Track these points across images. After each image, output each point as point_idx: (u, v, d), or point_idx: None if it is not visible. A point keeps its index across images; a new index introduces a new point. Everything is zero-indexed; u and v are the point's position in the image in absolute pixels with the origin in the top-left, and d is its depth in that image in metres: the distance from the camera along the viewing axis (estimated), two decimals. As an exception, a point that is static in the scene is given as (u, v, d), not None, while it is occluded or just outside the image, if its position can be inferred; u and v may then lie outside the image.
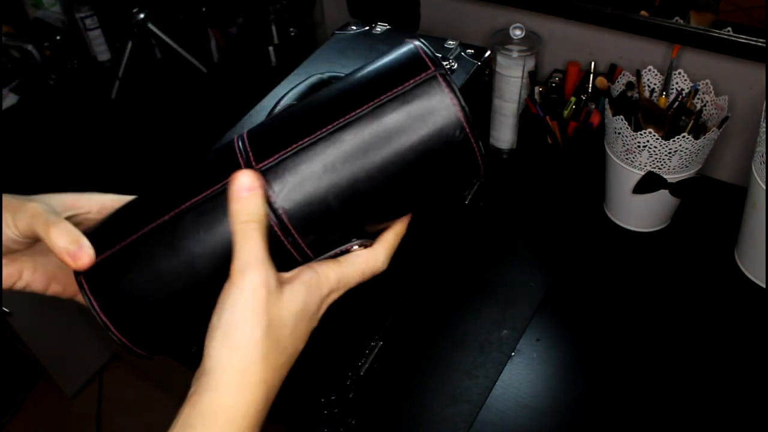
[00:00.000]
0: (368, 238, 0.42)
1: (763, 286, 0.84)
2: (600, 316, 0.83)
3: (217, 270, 0.39)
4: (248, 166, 0.40)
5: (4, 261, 0.43)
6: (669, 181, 0.85)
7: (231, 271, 0.38)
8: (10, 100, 1.25)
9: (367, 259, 0.42)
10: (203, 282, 0.39)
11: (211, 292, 0.39)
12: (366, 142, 0.39)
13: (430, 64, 0.39)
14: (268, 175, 0.39)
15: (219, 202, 0.39)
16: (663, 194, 0.86)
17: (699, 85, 0.86)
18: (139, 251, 0.40)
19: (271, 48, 1.27)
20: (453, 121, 0.38)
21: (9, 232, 0.41)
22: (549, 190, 1.01)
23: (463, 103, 0.39)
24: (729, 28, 0.87)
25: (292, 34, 1.27)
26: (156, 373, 1.67)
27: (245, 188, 0.38)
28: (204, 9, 1.24)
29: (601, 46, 1.00)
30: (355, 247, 0.42)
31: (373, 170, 0.39)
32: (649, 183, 0.85)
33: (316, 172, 0.39)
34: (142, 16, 1.19)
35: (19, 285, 0.44)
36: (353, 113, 0.39)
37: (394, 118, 0.38)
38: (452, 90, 0.39)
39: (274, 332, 0.37)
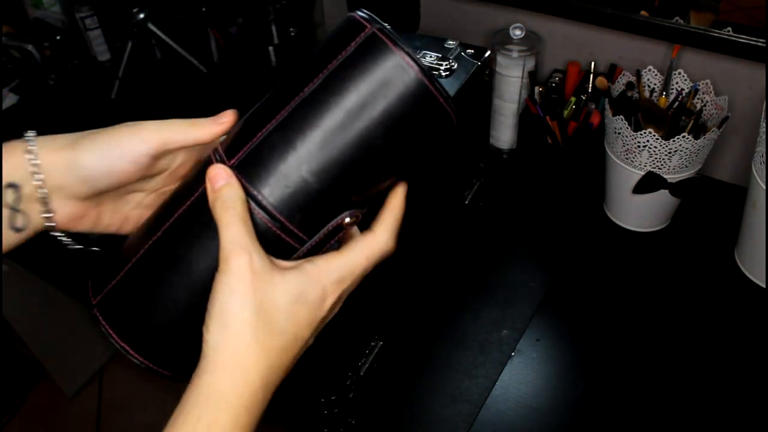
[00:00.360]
0: (358, 208, 0.42)
1: (763, 286, 0.84)
2: (600, 316, 0.83)
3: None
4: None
5: (89, 207, 0.44)
6: (669, 181, 0.85)
7: (219, 259, 0.38)
8: (10, 100, 1.25)
9: (368, 243, 0.42)
10: (209, 286, 0.40)
11: None
12: (323, 113, 0.39)
13: (365, 23, 0.40)
14: (242, 169, 0.40)
15: (204, 206, 0.40)
16: (663, 194, 0.86)
17: (699, 85, 0.86)
18: (141, 272, 0.41)
19: (271, 48, 1.27)
20: (402, 70, 0.38)
21: (142, 148, 0.42)
22: (549, 190, 1.01)
23: (409, 51, 0.39)
24: (729, 28, 0.87)
25: (292, 34, 1.27)
26: (156, 373, 1.67)
27: (219, 179, 0.39)
28: (204, 9, 1.24)
29: (601, 46, 1.00)
30: (347, 219, 0.41)
31: (336, 137, 0.39)
32: (649, 183, 0.85)
33: (284, 153, 0.39)
34: (142, 16, 1.19)
35: (99, 228, 0.46)
36: (305, 89, 0.39)
37: (344, 83, 0.39)
38: (394, 42, 0.39)
39: (265, 314, 0.38)
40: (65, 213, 0.43)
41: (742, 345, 0.78)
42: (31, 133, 0.42)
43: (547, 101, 0.98)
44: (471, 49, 0.81)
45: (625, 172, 0.87)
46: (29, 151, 0.41)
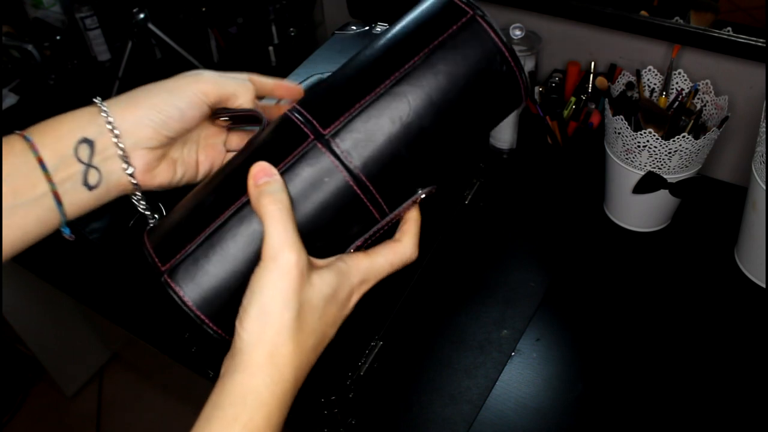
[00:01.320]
0: (432, 185, 0.44)
1: (763, 286, 0.84)
2: (600, 316, 0.83)
3: None
4: (315, 133, 0.41)
5: (160, 158, 0.45)
6: (669, 181, 0.85)
7: (262, 255, 0.38)
8: (10, 100, 1.25)
9: (395, 249, 0.44)
10: None
11: None
12: (425, 90, 0.41)
13: (466, 8, 0.43)
14: (337, 138, 0.41)
15: (291, 177, 0.41)
16: (663, 194, 0.86)
17: (699, 85, 0.86)
18: (219, 243, 0.41)
19: (271, 48, 1.27)
20: (499, 56, 0.43)
21: (203, 98, 0.44)
22: (549, 190, 1.01)
23: (503, 38, 0.43)
24: (729, 28, 0.87)
25: (292, 34, 1.27)
26: (156, 373, 1.68)
27: (262, 174, 0.40)
28: (204, 9, 1.24)
29: (601, 46, 1.00)
30: (422, 195, 0.44)
31: (437, 114, 0.41)
32: (649, 183, 0.85)
33: (383, 126, 0.41)
34: (142, 16, 1.19)
35: (174, 180, 0.47)
36: (407, 65, 0.41)
37: (446, 63, 0.41)
38: (493, 28, 0.42)
39: (304, 315, 0.38)
40: (140, 165, 0.44)
41: (742, 345, 0.78)
42: (98, 99, 0.43)
43: (547, 101, 0.98)
44: (471, 49, 0.81)
45: (625, 172, 0.87)
46: (101, 110, 0.42)
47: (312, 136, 0.41)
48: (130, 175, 0.44)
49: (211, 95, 0.45)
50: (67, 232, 0.44)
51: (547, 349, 0.80)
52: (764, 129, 0.77)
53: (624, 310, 0.84)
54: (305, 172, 0.41)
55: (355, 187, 0.41)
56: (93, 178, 0.42)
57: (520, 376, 0.77)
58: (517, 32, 0.96)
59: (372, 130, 0.41)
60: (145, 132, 0.43)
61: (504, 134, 1.05)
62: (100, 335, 1.71)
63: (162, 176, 0.46)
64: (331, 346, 0.65)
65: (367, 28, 0.86)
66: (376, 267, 0.42)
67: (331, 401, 0.68)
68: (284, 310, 0.37)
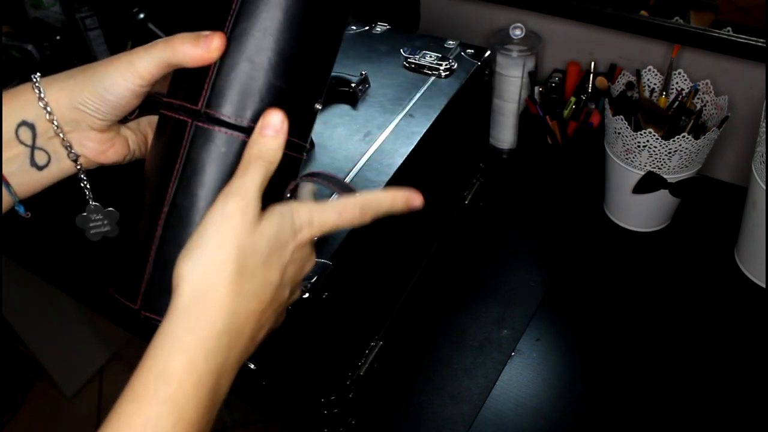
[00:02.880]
0: (321, 100, 0.44)
1: (763, 286, 0.84)
2: (600, 316, 0.83)
3: None
4: (192, 115, 0.41)
5: (112, 136, 0.45)
6: (669, 181, 0.85)
7: (218, 197, 0.39)
8: (10, 100, 1.25)
9: (345, 203, 0.42)
10: None
11: None
12: (262, 16, 0.40)
13: None
14: (213, 106, 0.41)
15: (194, 168, 0.41)
16: (663, 194, 0.86)
17: (699, 85, 0.86)
18: (165, 260, 0.41)
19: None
20: None
21: (132, 86, 0.42)
22: (549, 190, 1.01)
23: None
24: (729, 28, 0.87)
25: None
26: (156, 373, 1.67)
27: (271, 127, 0.40)
28: (204, 9, 1.24)
29: (601, 46, 1.00)
30: (318, 107, 0.44)
31: (285, 32, 0.41)
32: (649, 183, 0.85)
33: (245, 71, 0.41)
34: (142, 16, 1.19)
35: (128, 156, 0.47)
36: (233, 6, 0.41)
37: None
38: None
39: (244, 259, 0.37)
40: (90, 145, 0.44)
41: (742, 345, 0.78)
42: (36, 75, 0.42)
43: (547, 101, 0.98)
44: (471, 49, 0.81)
45: (625, 172, 0.87)
46: (37, 90, 0.41)
47: (189, 119, 0.41)
48: (75, 159, 0.43)
49: (147, 75, 0.42)
50: (21, 211, 0.44)
51: (547, 349, 0.80)
52: (764, 129, 0.77)
53: (624, 310, 0.84)
54: (202, 156, 0.41)
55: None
56: (41, 158, 0.42)
57: (520, 376, 0.77)
58: (517, 32, 0.96)
59: (240, 80, 0.40)
60: (84, 118, 0.42)
61: (504, 134, 1.05)
62: (100, 335, 1.71)
63: (116, 155, 0.46)
64: (331, 346, 0.65)
65: (367, 28, 0.86)
66: (320, 214, 0.41)
67: (331, 401, 0.68)
68: (219, 251, 0.37)
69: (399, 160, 0.66)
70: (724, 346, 0.78)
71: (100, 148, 0.44)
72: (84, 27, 1.30)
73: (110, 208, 0.49)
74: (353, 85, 0.73)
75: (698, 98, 0.86)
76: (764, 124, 0.77)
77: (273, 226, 0.39)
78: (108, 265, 0.91)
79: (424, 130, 0.69)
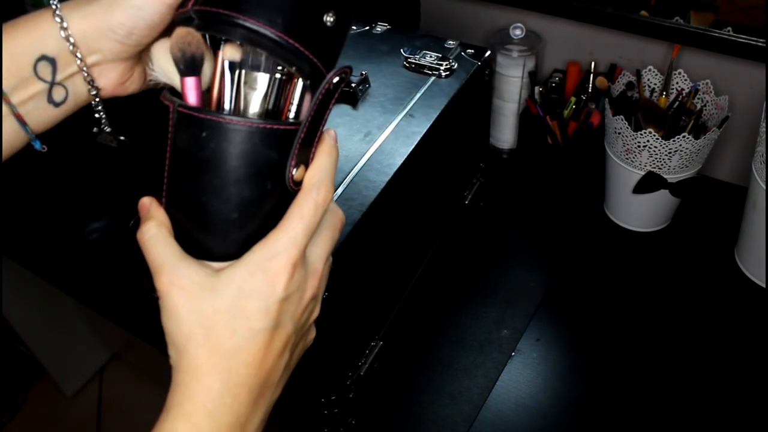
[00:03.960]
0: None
1: (763, 286, 0.84)
2: (600, 316, 0.83)
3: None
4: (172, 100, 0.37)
5: (133, 66, 0.42)
6: (669, 181, 0.85)
7: None
8: (10, 100, 1.25)
9: (297, 201, 0.38)
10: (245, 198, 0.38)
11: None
12: None
13: None
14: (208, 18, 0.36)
15: (177, 157, 0.38)
16: (663, 194, 0.86)
17: (699, 85, 0.86)
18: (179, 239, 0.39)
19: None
20: None
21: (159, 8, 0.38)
22: (549, 190, 1.01)
23: None
24: (729, 28, 0.87)
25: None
26: (156, 373, 1.67)
27: (141, 209, 0.40)
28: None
29: (601, 46, 1.00)
30: (335, 79, 0.37)
31: None
32: (649, 183, 0.85)
33: None
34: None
35: (145, 86, 0.44)
36: None
37: None
38: None
39: (207, 320, 0.36)
40: (111, 76, 0.41)
41: (742, 345, 0.78)
42: (55, 2, 0.38)
43: (547, 101, 0.98)
44: (471, 49, 0.81)
45: (625, 172, 0.87)
46: (58, 18, 0.38)
47: (171, 105, 0.37)
48: (96, 93, 0.41)
49: None
50: (38, 146, 0.41)
51: (547, 349, 0.80)
52: (764, 129, 0.77)
53: (624, 310, 0.84)
54: (180, 141, 0.37)
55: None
56: (59, 94, 0.40)
57: (520, 376, 0.77)
58: (518, 32, 0.96)
59: None
60: (111, 47, 0.39)
61: (504, 134, 1.05)
62: (100, 335, 1.71)
63: (134, 84, 0.43)
64: (331, 346, 0.65)
65: (367, 28, 0.86)
66: (286, 232, 0.37)
67: (331, 401, 0.68)
68: (180, 326, 0.36)
69: (399, 160, 0.66)
70: (724, 346, 0.78)
71: (121, 80, 0.42)
72: (84, 27, 1.30)
73: (121, 137, 0.47)
74: (353, 85, 0.73)
75: (698, 98, 0.86)
76: (764, 124, 0.77)
77: (231, 281, 0.37)
78: (109, 265, 0.91)
79: (424, 130, 0.69)
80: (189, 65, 0.37)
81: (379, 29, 0.86)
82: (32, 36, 0.38)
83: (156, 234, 0.38)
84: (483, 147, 0.95)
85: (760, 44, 0.84)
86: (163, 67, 0.39)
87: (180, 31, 0.36)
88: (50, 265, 0.95)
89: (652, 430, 0.72)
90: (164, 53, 0.38)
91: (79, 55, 0.39)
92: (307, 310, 0.40)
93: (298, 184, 0.38)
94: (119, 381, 1.77)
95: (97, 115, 0.43)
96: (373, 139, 0.69)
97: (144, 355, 1.60)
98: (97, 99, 0.41)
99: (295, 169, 0.37)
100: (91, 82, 0.40)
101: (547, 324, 0.82)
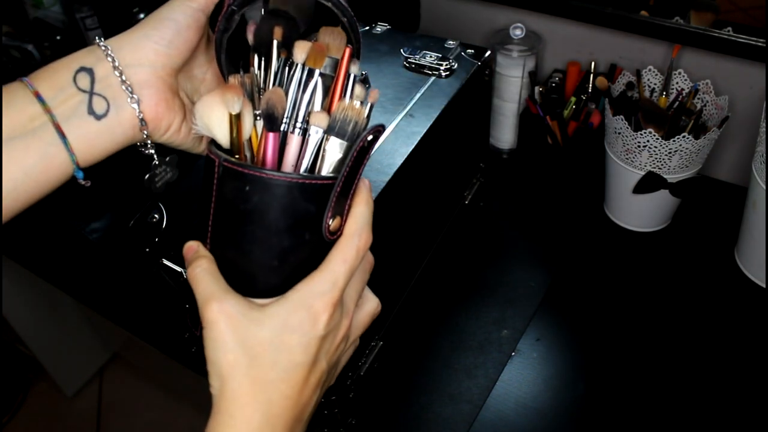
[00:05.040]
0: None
1: (763, 286, 0.84)
2: (600, 316, 0.83)
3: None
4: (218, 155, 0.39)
5: (168, 90, 0.43)
6: (669, 181, 0.85)
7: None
8: (10, 100, 1.25)
9: (340, 246, 0.40)
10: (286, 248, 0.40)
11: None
12: None
13: None
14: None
15: (221, 212, 0.40)
16: (663, 194, 0.86)
17: (699, 85, 0.86)
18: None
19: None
20: None
21: (188, 7, 0.42)
22: (549, 190, 1.01)
23: None
24: (729, 28, 0.87)
25: (292, 34, 1.27)
26: (156, 373, 1.67)
27: (189, 252, 0.41)
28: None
29: (601, 46, 1.00)
30: (369, 136, 0.39)
31: None
32: (649, 183, 0.85)
33: None
34: (142, 16, 1.19)
35: (177, 124, 0.44)
36: None
37: None
38: None
39: (251, 350, 0.38)
40: (151, 101, 0.41)
41: (742, 345, 0.78)
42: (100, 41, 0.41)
43: (547, 101, 0.98)
44: (471, 49, 0.81)
45: (625, 172, 0.87)
46: (98, 44, 0.40)
47: (217, 159, 0.39)
48: (137, 103, 0.41)
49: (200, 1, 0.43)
50: (80, 176, 0.40)
51: (547, 349, 0.80)
52: (764, 129, 0.77)
53: (624, 310, 0.84)
54: (225, 192, 0.39)
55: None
56: (99, 105, 0.40)
57: (520, 376, 0.77)
58: (517, 32, 0.96)
59: None
60: (146, 54, 0.41)
61: (504, 134, 1.05)
62: (100, 335, 1.71)
63: (181, 137, 0.44)
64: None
65: (367, 28, 0.86)
66: (329, 274, 0.39)
67: (331, 401, 0.68)
68: (225, 354, 0.37)
69: (399, 160, 0.66)
70: (724, 346, 0.78)
71: (164, 108, 0.42)
72: (84, 27, 1.30)
73: (170, 156, 0.47)
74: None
75: (698, 98, 0.86)
76: (764, 124, 0.77)
77: (276, 316, 0.39)
78: (109, 265, 0.90)
79: (424, 130, 0.69)
80: (271, 122, 0.39)
81: (379, 29, 0.86)
82: (72, 56, 0.40)
83: (207, 268, 0.40)
84: (483, 147, 0.95)
85: (760, 44, 0.84)
86: (206, 122, 0.40)
87: (268, 93, 0.39)
88: (50, 265, 0.95)
89: (653, 429, 0.72)
90: (207, 108, 0.39)
91: (112, 54, 0.40)
92: (339, 348, 0.42)
93: (334, 233, 0.41)
94: (119, 381, 1.77)
95: (143, 135, 0.43)
96: (373, 139, 0.68)
97: (144, 355, 1.60)
98: (139, 114, 0.41)
99: (331, 220, 0.40)
100: (129, 89, 0.40)
101: (547, 324, 0.82)
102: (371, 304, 0.46)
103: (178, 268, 0.63)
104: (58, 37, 1.29)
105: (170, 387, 1.64)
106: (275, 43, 0.41)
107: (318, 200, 0.39)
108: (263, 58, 0.42)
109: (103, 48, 0.40)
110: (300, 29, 0.43)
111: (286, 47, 0.41)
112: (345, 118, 0.39)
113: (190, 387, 1.46)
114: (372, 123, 0.40)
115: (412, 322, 0.82)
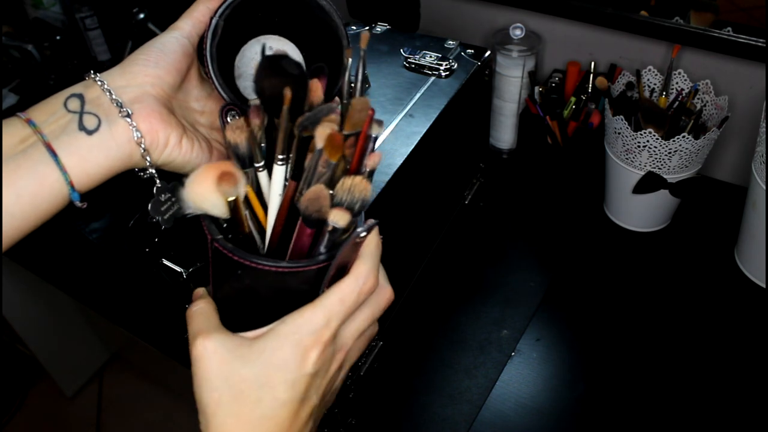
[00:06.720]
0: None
1: (763, 286, 0.84)
2: (600, 316, 0.83)
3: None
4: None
5: (167, 114, 0.42)
6: (669, 181, 0.85)
7: None
8: (10, 100, 1.25)
9: (340, 285, 0.39)
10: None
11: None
12: None
13: None
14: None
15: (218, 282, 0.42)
16: (663, 194, 0.86)
17: (699, 85, 0.86)
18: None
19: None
20: None
21: (175, 39, 0.45)
22: (549, 190, 1.01)
23: None
24: (729, 28, 0.87)
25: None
26: (156, 373, 1.67)
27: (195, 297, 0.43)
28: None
29: (601, 46, 1.00)
30: (362, 234, 0.39)
31: None
32: (649, 183, 0.85)
33: None
34: (142, 16, 1.19)
35: (186, 152, 0.43)
36: None
37: None
38: None
39: (233, 388, 0.37)
40: (141, 110, 0.40)
41: (742, 345, 0.78)
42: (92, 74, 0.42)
43: (547, 101, 0.98)
44: (471, 49, 0.81)
45: (625, 172, 0.87)
46: (90, 75, 0.42)
47: (209, 236, 0.39)
48: (128, 115, 0.40)
49: (186, 29, 0.45)
50: (76, 199, 0.40)
51: (547, 349, 0.80)
52: (764, 129, 0.77)
53: (624, 310, 0.84)
54: (218, 266, 0.40)
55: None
56: (90, 122, 0.39)
57: (520, 376, 0.77)
58: (517, 32, 0.96)
59: None
60: (133, 76, 0.41)
61: (504, 134, 1.05)
62: (100, 335, 1.71)
63: (163, 124, 0.41)
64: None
65: (367, 28, 0.86)
66: (323, 311, 0.38)
67: (331, 401, 0.68)
68: (210, 393, 0.37)
69: (399, 160, 0.66)
70: (724, 346, 0.78)
71: (149, 109, 0.41)
72: (84, 27, 1.30)
73: (173, 182, 0.46)
74: (352, 84, 0.73)
75: (698, 98, 0.86)
76: (764, 124, 0.77)
77: (261, 352, 0.38)
78: (109, 265, 0.90)
79: (424, 130, 0.69)
80: (312, 223, 0.38)
81: (379, 29, 0.86)
82: (65, 90, 0.41)
83: (202, 308, 0.41)
84: (483, 147, 0.95)
85: (760, 44, 0.84)
86: (199, 207, 0.39)
87: (310, 193, 0.37)
88: (50, 265, 0.95)
89: (652, 430, 0.72)
90: (199, 196, 0.39)
91: (101, 79, 0.41)
92: (331, 381, 0.41)
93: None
94: (119, 381, 1.77)
95: (141, 153, 0.41)
96: (373, 139, 0.68)
97: (144, 355, 1.60)
98: (133, 125, 0.40)
99: (328, 285, 0.39)
100: (119, 104, 0.40)
101: (547, 324, 0.82)
102: (371, 330, 0.44)
103: (178, 268, 0.64)
104: (58, 37, 1.29)
105: (170, 387, 1.64)
106: (285, 109, 0.39)
107: (312, 281, 0.39)
108: (264, 104, 0.41)
109: (92, 76, 0.41)
110: (302, 69, 0.42)
111: (294, 101, 0.40)
112: (352, 198, 0.38)
113: (190, 387, 1.46)
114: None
115: (412, 322, 0.82)
